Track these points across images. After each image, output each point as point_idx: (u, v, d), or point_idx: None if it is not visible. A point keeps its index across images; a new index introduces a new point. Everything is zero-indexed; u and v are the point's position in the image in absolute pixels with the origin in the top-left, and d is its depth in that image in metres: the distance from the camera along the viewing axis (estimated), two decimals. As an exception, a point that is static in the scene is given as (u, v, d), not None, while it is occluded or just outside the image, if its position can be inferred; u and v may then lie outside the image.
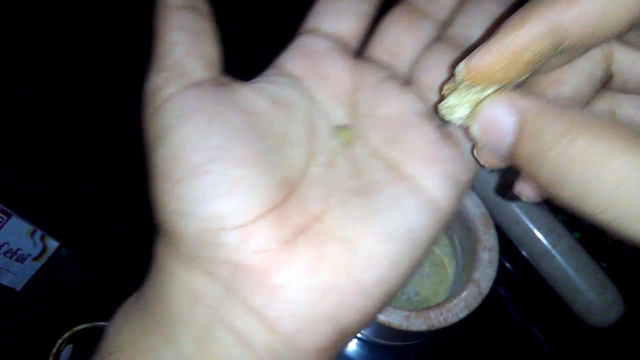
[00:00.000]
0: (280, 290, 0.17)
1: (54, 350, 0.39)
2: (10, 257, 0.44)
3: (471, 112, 0.17)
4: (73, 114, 0.51)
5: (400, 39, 0.24)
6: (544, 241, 0.44)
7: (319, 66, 0.22)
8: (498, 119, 0.16)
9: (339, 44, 0.23)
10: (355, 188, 0.20)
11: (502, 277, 0.41)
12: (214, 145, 0.18)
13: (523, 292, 0.48)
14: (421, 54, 0.24)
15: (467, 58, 0.17)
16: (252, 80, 0.22)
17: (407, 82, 0.24)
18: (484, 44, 0.17)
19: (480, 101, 0.17)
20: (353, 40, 0.24)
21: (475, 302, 0.39)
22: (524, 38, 0.16)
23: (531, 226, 0.45)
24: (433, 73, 0.23)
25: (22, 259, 0.45)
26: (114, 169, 0.49)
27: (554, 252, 0.44)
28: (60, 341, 0.39)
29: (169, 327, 0.18)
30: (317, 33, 0.23)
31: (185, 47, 0.20)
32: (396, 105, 0.22)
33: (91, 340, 0.40)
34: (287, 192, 0.19)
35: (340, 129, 0.21)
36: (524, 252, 0.46)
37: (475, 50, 0.17)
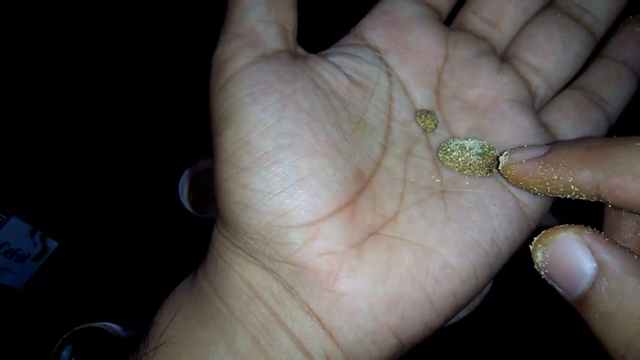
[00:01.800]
0: (344, 298, 0.16)
1: (54, 350, 0.39)
2: (10, 257, 0.43)
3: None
4: (73, 114, 0.51)
5: (503, 5, 0.21)
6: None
7: (405, 37, 0.20)
8: (574, 259, 0.13)
9: (430, 9, 0.20)
10: (433, 185, 0.18)
11: (502, 277, 0.41)
12: (286, 132, 0.16)
13: (523, 292, 0.48)
14: (527, 25, 0.21)
15: (511, 154, 0.16)
16: (328, 51, 0.20)
17: (506, 57, 0.21)
18: (529, 151, 0.16)
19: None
20: (446, 4, 0.21)
21: (475, 302, 0.39)
22: (566, 178, 0.14)
23: (531, 226, 0.45)
24: (539, 50, 0.20)
25: (22, 259, 0.45)
26: (114, 169, 0.49)
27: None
28: (60, 341, 0.39)
29: (225, 322, 0.16)
30: None
31: (261, 11, 0.17)
32: (489, 88, 0.19)
33: (91, 340, 0.40)
34: (360, 187, 0.17)
35: (422, 113, 0.19)
36: (523, 252, 0.46)
37: (521, 154, 0.16)
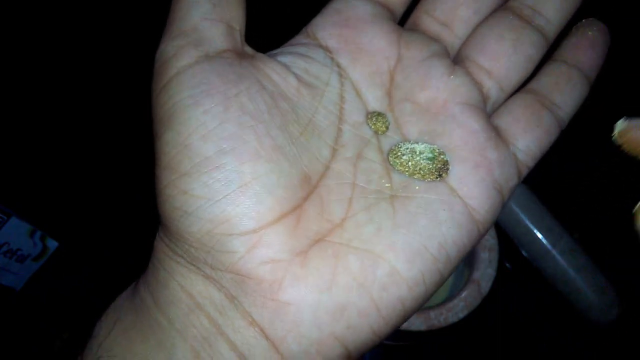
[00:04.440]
0: (288, 308, 0.15)
1: (54, 350, 0.39)
2: (10, 257, 0.43)
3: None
4: (73, 113, 0.51)
5: (456, 6, 0.20)
6: (544, 241, 0.44)
7: (357, 37, 0.19)
8: None
9: (383, 8, 0.20)
10: (382, 190, 0.17)
11: (502, 277, 0.41)
12: (228, 135, 0.15)
13: (523, 292, 0.48)
14: (479, 26, 0.21)
15: (630, 119, 0.16)
16: (278, 51, 0.19)
17: (459, 59, 0.21)
18: None
19: None
20: (399, 4, 0.21)
21: (475, 302, 0.39)
22: None
23: (531, 226, 0.45)
24: (491, 53, 0.20)
25: (22, 259, 0.45)
26: (113, 168, 0.49)
27: (554, 252, 0.44)
28: (60, 341, 0.39)
29: (165, 335, 0.16)
30: None
31: (205, 8, 0.17)
32: (441, 90, 0.19)
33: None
34: (307, 193, 0.17)
35: (373, 115, 0.19)
36: (524, 252, 0.46)
37: None
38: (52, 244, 0.47)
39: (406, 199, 0.17)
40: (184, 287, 0.16)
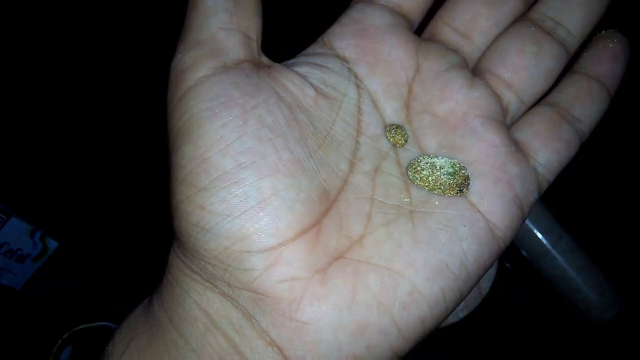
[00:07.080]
0: (307, 328, 0.15)
1: (54, 350, 0.39)
2: (10, 257, 0.43)
3: None
4: (73, 113, 0.51)
5: (476, 16, 0.20)
6: (544, 241, 0.44)
7: (375, 47, 0.19)
8: None
9: (401, 18, 0.20)
10: (401, 205, 0.17)
11: (502, 277, 0.41)
12: (247, 149, 0.15)
13: (523, 292, 0.48)
14: (499, 37, 0.20)
15: None
16: (295, 60, 0.19)
17: (478, 71, 0.20)
18: None
19: None
20: (418, 13, 0.20)
21: (475, 302, 0.39)
22: None
23: (531, 226, 0.45)
24: (511, 65, 0.19)
25: (22, 259, 0.45)
26: (114, 168, 0.49)
27: (554, 252, 0.44)
28: (60, 341, 0.39)
29: (181, 355, 0.15)
30: (375, 3, 0.20)
31: (223, 18, 0.16)
32: (460, 103, 0.19)
33: (91, 340, 0.40)
34: (326, 208, 0.16)
35: (392, 128, 0.18)
36: (524, 252, 0.46)
37: None
38: (52, 244, 0.47)
39: (425, 215, 0.17)
40: (200, 305, 0.16)
